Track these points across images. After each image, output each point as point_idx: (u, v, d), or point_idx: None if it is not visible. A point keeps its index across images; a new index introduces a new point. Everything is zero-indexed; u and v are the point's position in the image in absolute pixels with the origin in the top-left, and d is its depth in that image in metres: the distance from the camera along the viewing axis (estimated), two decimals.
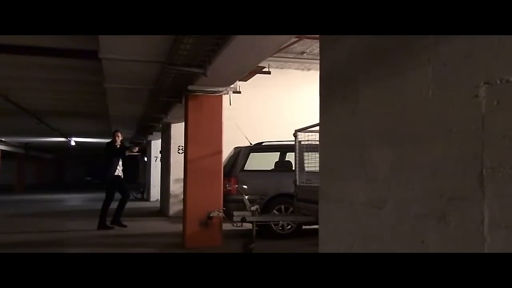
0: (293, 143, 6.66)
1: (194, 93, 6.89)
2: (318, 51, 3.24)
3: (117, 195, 9.02)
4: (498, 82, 1.62)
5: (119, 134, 9.18)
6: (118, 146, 9.09)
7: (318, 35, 3.37)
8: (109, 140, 9.39)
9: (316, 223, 3.31)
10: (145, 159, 19.67)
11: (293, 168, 6.81)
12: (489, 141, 1.65)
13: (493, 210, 1.62)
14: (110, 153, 9.00)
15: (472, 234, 1.70)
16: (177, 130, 10.82)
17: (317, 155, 3.91)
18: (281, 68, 11.11)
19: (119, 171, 8.94)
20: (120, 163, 8.97)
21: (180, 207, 8.68)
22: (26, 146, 26.24)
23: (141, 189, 19.50)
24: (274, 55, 8.33)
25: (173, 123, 11.26)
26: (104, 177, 9.24)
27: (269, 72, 9.68)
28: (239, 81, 7.25)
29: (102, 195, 9.14)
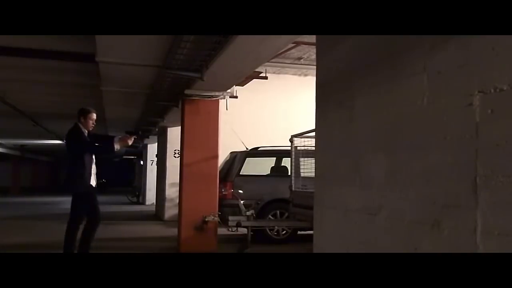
0: (289, 148, 6.68)
1: (191, 97, 6.89)
2: (315, 57, 3.25)
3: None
4: (492, 91, 1.64)
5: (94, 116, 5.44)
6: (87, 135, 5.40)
7: (315, 42, 3.38)
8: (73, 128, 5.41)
9: (311, 229, 3.31)
10: (141, 162, 19.61)
11: (289, 174, 6.81)
12: (482, 149, 1.66)
13: (486, 218, 1.63)
14: (79, 147, 5.34)
15: (465, 242, 1.71)
16: (174, 134, 10.81)
17: (313, 160, 3.92)
18: (278, 73, 11.13)
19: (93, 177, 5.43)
20: (94, 164, 5.40)
21: (175, 211, 8.66)
22: (22, 148, 26.13)
23: (137, 193, 19.47)
24: (271, 61, 8.33)
25: (170, 127, 11.26)
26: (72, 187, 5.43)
27: (266, 77, 9.70)
28: (236, 85, 7.26)
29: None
